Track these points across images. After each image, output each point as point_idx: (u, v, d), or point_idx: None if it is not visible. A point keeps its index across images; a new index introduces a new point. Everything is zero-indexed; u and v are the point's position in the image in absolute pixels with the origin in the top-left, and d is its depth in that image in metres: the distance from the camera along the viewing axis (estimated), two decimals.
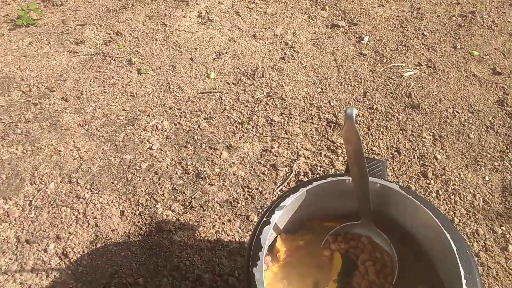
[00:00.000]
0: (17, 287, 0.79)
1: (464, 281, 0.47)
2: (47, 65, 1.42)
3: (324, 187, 0.60)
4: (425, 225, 0.56)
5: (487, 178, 0.95)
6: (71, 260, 0.83)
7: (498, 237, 0.84)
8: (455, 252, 0.49)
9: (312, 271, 0.63)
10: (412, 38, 1.39)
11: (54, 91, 1.30)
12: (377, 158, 1.00)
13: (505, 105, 1.13)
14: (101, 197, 0.95)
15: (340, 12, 1.56)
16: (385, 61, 1.31)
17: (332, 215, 0.69)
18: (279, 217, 0.57)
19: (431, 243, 0.58)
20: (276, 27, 1.51)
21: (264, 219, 0.54)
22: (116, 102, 1.24)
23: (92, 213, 0.91)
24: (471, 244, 0.83)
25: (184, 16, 1.61)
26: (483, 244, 0.83)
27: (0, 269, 0.81)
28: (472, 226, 0.86)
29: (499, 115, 1.11)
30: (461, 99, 1.16)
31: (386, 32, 1.43)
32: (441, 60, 1.29)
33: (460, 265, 0.48)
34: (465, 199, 0.91)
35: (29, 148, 1.09)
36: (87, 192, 0.96)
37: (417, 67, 1.27)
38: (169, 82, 1.31)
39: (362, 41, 1.40)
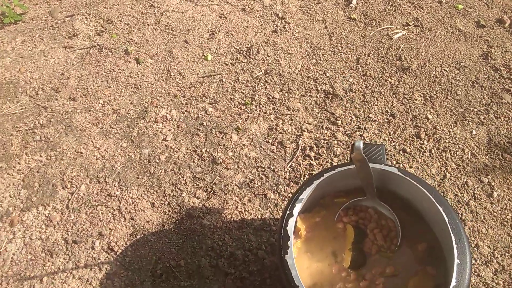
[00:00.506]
0: (77, 282, 0.92)
1: (454, 246, 0.59)
2: (46, 64, 1.45)
3: (334, 176, 0.70)
4: (421, 198, 0.67)
5: (474, 132, 1.06)
6: (117, 253, 0.95)
7: (484, 186, 0.96)
8: (447, 222, 0.60)
9: (330, 242, 0.75)
10: None
11: (60, 91, 1.35)
12: (375, 125, 1.10)
13: (489, 58, 1.20)
14: (130, 192, 1.05)
15: None
16: (374, 24, 1.36)
17: (341, 191, 0.79)
18: (299, 208, 0.67)
19: (426, 210, 0.69)
20: None
21: (288, 212, 0.65)
22: (123, 96, 1.30)
23: (126, 208, 1.02)
24: (462, 195, 0.95)
25: None
26: (472, 194, 0.95)
27: (59, 269, 0.93)
28: (462, 179, 0.98)
29: (484, 69, 1.18)
30: (448, 56, 1.23)
31: None
32: (427, 18, 1.34)
33: (451, 233, 0.59)
34: (455, 154, 1.02)
35: (52, 154, 1.17)
36: (117, 190, 1.06)
37: (405, 28, 1.32)
38: (169, 69, 1.36)
39: (351, 5, 1.43)
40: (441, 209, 0.62)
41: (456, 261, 0.57)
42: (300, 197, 0.67)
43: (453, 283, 0.56)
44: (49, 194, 1.08)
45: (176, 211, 1.00)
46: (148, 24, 1.52)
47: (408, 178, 0.67)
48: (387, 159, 1.02)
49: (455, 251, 0.58)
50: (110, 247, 0.96)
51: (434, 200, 0.63)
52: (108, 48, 1.45)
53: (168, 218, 0.99)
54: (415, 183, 0.66)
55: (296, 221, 0.76)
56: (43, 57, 1.47)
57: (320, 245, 0.75)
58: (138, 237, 0.97)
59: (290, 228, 0.64)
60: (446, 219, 0.61)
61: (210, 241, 0.93)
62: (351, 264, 0.71)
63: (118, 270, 0.92)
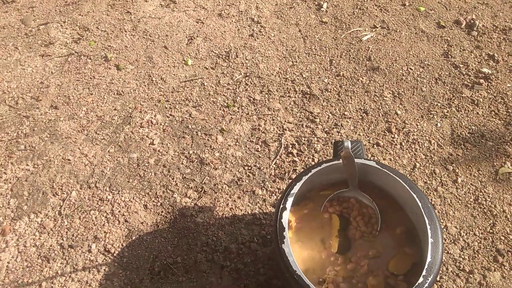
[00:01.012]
0: (76, 285, 0.95)
1: (428, 227, 0.67)
2: (23, 73, 1.45)
3: (320, 172, 0.77)
4: (397, 186, 0.76)
5: (438, 125, 1.17)
6: (114, 254, 0.99)
7: (450, 173, 1.07)
8: (420, 207, 0.69)
9: (318, 231, 0.83)
10: (366, 1, 1.52)
11: (40, 100, 1.35)
12: (350, 121, 1.18)
13: (449, 56, 1.32)
14: (122, 196, 1.09)
15: None
16: (344, 27, 1.45)
17: (326, 185, 0.87)
18: (291, 202, 0.74)
19: (402, 197, 0.78)
20: (239, 2, 1.59)
21: (281, 206, 0.72)
22: (106, 103, 1.33)
23: (119, 211, 1.06)
24: (431, 182, 1.05)
25: (146, 1, 1.64)
26: (440, 180, 1.06)
27: (57, 273, 0.96)
28: (430, 168, 1.08)
29: (445, 66, 1.30)
30: (413, 56, 1.33)
31: None
32: (393, 20, 1.44)
33: (424, 216, 0.68)
34: (423, 146, 1.12)
35: (38, 162, 1.18)
36: (109, 194, 1.09)
37: (373, 30, 1.42)
38: (150, 74, 1.39)
39: (322, 9, 1.51)
40: (415, 196, 0.71)
41: (430, 240, 0.66)
42: (292, 192, 0.74)
43: (429, 259, 0.65)
44: (40, 201, 1.09)
45: (169, 211, 1.05)
46: (125, 31, 1.54)
47: (385, 170, 0.75)
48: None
49: (429, 232, 0.67)
50: (107, 249, 0.99)
51: (408, 188, 0.72)
52: (86, 56, 1.47)
53: (162, 218, 1.04)
54: (391, 174, 0.74)
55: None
56: (19, 66, 1.46)
57: (310, 234, 0.82)
58: (134, 238, 1.01)
59: (284, 220, 0.71)
60: (420, 204, 0.70)
61: (205, 238, 0.99)
62: (338, 249, 0.79)
63: (116, 270, 0.96)
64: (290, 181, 0.81)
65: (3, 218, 1.06)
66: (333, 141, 1.05)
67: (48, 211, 1.07)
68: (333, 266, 0.77)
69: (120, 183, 1.11)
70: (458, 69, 1.29)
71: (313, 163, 1.09)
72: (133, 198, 1.08)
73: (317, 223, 0.84)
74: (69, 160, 1.18)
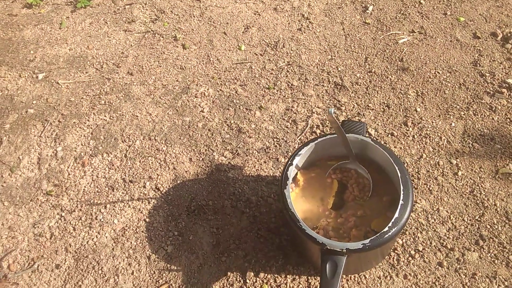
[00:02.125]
0: (131, 210, 1.23)
1: (402, 192, 0.85)
2: (109, 43, 1.77)
3: (325, 141, 0.97)
4: (386, 162, 0.93)
5: (453, 124, 1.29)
6: (162, 192, 1.26)
7: (453, 166, 1.20)
8: (399, 177, 0.87)
9: (319, 191, 1.02)
10: (409, 7, 1.65)
11: (120, 67, 1.66)
12: (372, 112, 1.35)
13: (478, 65, 1.42)
14: (174, 149, 1.35)
15: None
16: (384, 29, 1.59)
17: (332, 156, 1.06)
18: (298, 160, 0.95)
19: (391, 172, 0.95)
20: None
21: (289, 162, 0.93)
22: (170, 74, 1.60)
23: (170, 160, 1.33)
24: (433, 171, 1.19)
25: None
26: (441, 171, 1.20)
27: (118, 199, 1.25)
28: (435, 159, 1.22)
29: (472, 73, 1.41)
30: (443, 61, 1.45)
31: (388, 1, 1.69)
32: (431, 27, 1.56)
33: (401, 184, 0.86)
34: (433, 140, 1.26)
35: (114, 115, 1.49)
36: (164, 146, 1.37)
37: (411, 34, 1.55)
38: (208, 55, 1.65)
39: (367, 11, 1.66)
40: (397, 168, 0.88)
41: (400, 202, 0.84)
42: (300, 153, 0.94)
43: (396, 215, 0.82)
44: (111, 145, 1.39)
45: (208, 165, 1.30)
46: (194, 16, 1.81)
47: (378, 146, 0.93)
48: (377, 139, 1.27)
49: (401, 196, 0.85)
50: (157, 187, 1.27)
51: (392, 161, 0.89)
52: (160, 34, 1.75)
53: (201, 170, 1.29)
54: (381, 149, 0.92)
55: (297, 174, 1.04)
56: (106, 37, 1.79)
57: (313, 192, 1.02)
58: (178, 182, 1.27)
59: (289, 172, 0.92)
60: (399, 174, 0.87)
61: (232, 189, 1.23)
62: (333, 206, 0.99)
63: (162, 204, 1.23)
64: (300, 144, 1.00)
65: (84, 153, 1.38)
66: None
67: (117, 153, 1.37)
68: (326, 218, 0.97)
69: (173, 139, 1.38)
70: (484, 77, 1.39)
71: None
72: (182, 152, 1.34)
73: (320, 185, 1.03)
74: (137, 116, 1.47)
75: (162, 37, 1.74)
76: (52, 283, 1.11)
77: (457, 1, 1.63)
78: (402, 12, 1.64)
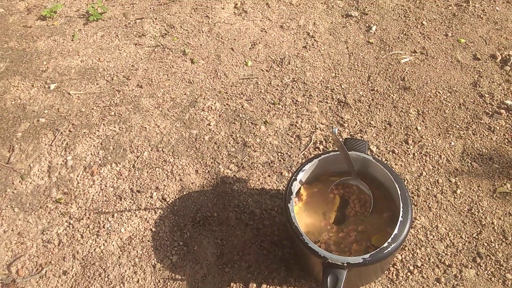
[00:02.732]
0: (138, 219, 1.26)
1: (401, 209, 0.88)
2: (119, 56, 1.82)
3: (328, 158, 1.01)
4: (387, 179, 0.97)
5: (452, 143, 1.33)
6: (169, 202, 1.29)
7: (452, 184, 1.24)
8: (399, 194, 0.90)
9: (322, 206, 1.06)
10: (412, 28, 1.70)
11: (130, 79, 1.71)
12: (374, 130, 1.39)
13: (477, 86, 1.47)
14: (180, 160, 1.39)
15: (354, 2, 1.86)
16: (387, 48, 1.64)
17: (335, 172, 1.10)
18: (302, 176, 0.99)
19: (392, 189, 0.99)
20: (300, 17, 1.84)
21: (293, 177, 0.97)
22: (178, 88, 1.65)
23: (177, 171, 1.37)
24: (432, 189, 1.23)
25: (223, 8, 1.96)
26: (440, 189, 1.23)
27: (126, 209, 1.29)
28: (435, 177, 1.26)
29: (471, 94, 1.45)
30: (443, 81, 1.50)
31: (391, 22, 1.74)
32: (433, 48, 1.61)
33: (400, 201, 0.89)
34: (433, 159, 1.30)
35: (123, 126, 1.53)
36: (171, 157, 1.41)
37: (413, 54, 1.60)
38: (216, 69, 1.70)
39: (371, 30, 1.72)
40: (397, 186, 0.92)
41: (400, 219, 0.87)
42: (303, 168, 0.98)
43: (395, 231, 0.86)
44: (120, 155, 1.44)
45: (214, 177, 1.34)
46: (202, 32, 1.87)
47: (379, 164, 0.97)
48: (378, 156, 1.31)
49: (401, 212, 0.88)
50: (164, 198, 1.30)
51: (393, 179, 0.93)
52: (169, 48, 1.81)
53: (207, 182, 1.33)
54: (382, 167, 0.95)
55: (300, 189, 1.07)
56: (117, 50, 1.85)
57: (315, 207, 1.06)
58: (184, 193, 1.31)
59: (293, 188, 0.95)
60: (399, 192, 0.91)
61: (237, 201, 1.26)
62: (335, 221, 1.02)
63: (168, 214, 1.27)
64: (304, 160, 1.03)
65: (93, 163, 1.42)
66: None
67: (125, 163, 1.41)
68: (328, 233, 1.00)
69: (180, 151, 1.42)
70: (483, 98, 1.44)
71: None
72: (188, 164, 1.38)
73: (323, 200, 1.07)
74: (145, 128, 1.51)
75: (171, 51, 1.80)
76: None
77: (458, 23, 1.69)
78: (404, 32, 1.69)
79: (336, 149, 0.98)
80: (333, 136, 0.80)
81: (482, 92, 1.45)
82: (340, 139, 0.87)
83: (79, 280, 1.15)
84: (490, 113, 1.39)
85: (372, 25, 1.74)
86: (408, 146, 1.33)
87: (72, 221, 1.27)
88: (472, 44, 1.60)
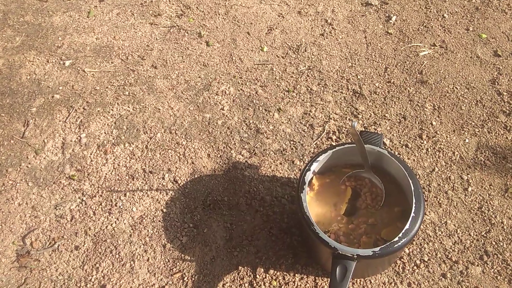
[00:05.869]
0: (149, 200, 1.28)
1: (414, 205, 0.89)
2: (135, 35, 1.81)
3: (343, 150, 1.01)
4: (400, 174, 0.97)
5: (467, 141, 1.32)
6: (180, 185, 1.31)
7: (463, 181, 1.23)
8: (412, 190, 0.90)
9: (333, 197, 1.07)
10: (432, 20, 1.67)
11: (145, 59, 1.71)
12: (388, 123, 1.38)
13: (496, 83, 1.44)
14: (193, 144, 1.40)
15: None
16: (406, 40, 1.62)
17: (348, 164, 1.10)
18: (315, 166, 0.99)
19: (404, 184, 0.99)
20: (318, 4, 1.81)
21: (306, 167, 0.97)
22: (193, 71, 1.65)
23: (189, 154, 1.38)
24: (444, 185, 1.23)
25: None
26: (452, 186, 1.23)
27: (138, 188, 1.30)
28: (447, 174, 1.25)
29: (489, 91, 1.43)
30: (462, 77, 1.48)
31: (411, 13, 1.71)
32: (453, 41, 1.58)
33: (413, 196, 0.89)
34: (446, 155, 1.29)
35: (137, 106, 1.54)
36: (183, 140, 1.42)
37: (432, 47, 1.58)
38: (231, 53, 1.69)
39: (390, 21, 1.69)
40: (410, 182, 0.92)
41: (412, 214, 0.88)
42: (317, 159, 0.98)
43: (407, 226, 0.86)
44: (133, 136, 1.45)
45: (225, 162, 1.34)
46: (219, 14, 1.85)
47: (393, 158, 0.97)
48: (391, 149, 1.31)
49: (413, 208, 0.88)
50: (175, 179, 1.32)
51: (407, 174, 0.93)
52: (185, 30, 1.80)
53: (219, 166, 1.34)
54: (396, 161, 0.95)
55: (312, 178, 1.08)
56: (133, 29, 1.84)
57: (327, 198, 1.07)
58: (196, 176, 1.32)
59: (306, 177, 0.96)
60: (412, 188, 0.91)
61: (248, 187, 1.27)
62: (345, 213, 1.03)
63: (179, 196, 1.28)
64: (317, 150, 1.04)
65: (107, 141, 1.43)
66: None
67: (138, 144, 1.42)
68: (338, 224, 1.01)
69: (193, 134, 1.43)
70: (501, 96, 1.42)
71: None
72: (201, 147, 1.39)
73: (335, 191, 1.07)
74: (159, 109, 1.52)
75: (187, 32, 1.78)
76: (71, 263, 1.17)
77: (481, 17, 1.65)
78: (424, 24, 1.66)
79: (352, 141, 0.98)
80: (351, 130, 0.80)
81: (500, 90, 1.43)
82: (358, 133, 0.87)
83: (91, 255, 1.18)
84: (507, 111, 1.38)
85: (392, 15, 1.71)
86: (422, 141, 1.33)
87: (85, 198, 1.29)
88: (494, 40, 1.57)
